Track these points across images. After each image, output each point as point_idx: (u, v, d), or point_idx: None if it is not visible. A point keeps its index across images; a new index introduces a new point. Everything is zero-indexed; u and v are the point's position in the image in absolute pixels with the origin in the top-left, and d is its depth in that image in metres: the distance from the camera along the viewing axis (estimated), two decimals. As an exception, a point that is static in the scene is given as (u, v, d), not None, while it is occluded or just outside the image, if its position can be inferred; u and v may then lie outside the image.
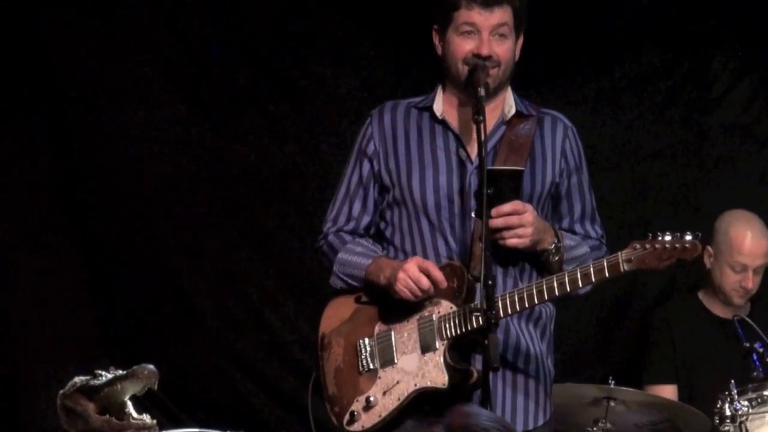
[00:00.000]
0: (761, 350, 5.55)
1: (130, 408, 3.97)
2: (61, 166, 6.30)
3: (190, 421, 6.00)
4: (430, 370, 4.23)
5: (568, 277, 4.14)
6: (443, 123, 4.40)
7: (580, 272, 4.13)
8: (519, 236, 4.20)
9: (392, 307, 4.31)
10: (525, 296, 4.17)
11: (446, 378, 4.20)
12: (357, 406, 4.33)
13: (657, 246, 4.07)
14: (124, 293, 6.34)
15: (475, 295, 4.19)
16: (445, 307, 4.24)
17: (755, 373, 5.50)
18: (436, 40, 4.39)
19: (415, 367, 4.26)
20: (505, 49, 4.31)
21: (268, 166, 6.35)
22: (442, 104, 4.41)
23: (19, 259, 6.23)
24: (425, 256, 4.31)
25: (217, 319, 6.36)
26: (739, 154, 6.55)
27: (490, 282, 4.01)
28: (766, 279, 6.02)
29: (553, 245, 4.29)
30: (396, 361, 4.30)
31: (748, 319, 5.82)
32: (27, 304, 6.21)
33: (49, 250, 6.27)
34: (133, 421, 3.95)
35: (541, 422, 4.37)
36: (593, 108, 6.43)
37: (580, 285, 4.14)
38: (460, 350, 4.22)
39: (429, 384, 4.22)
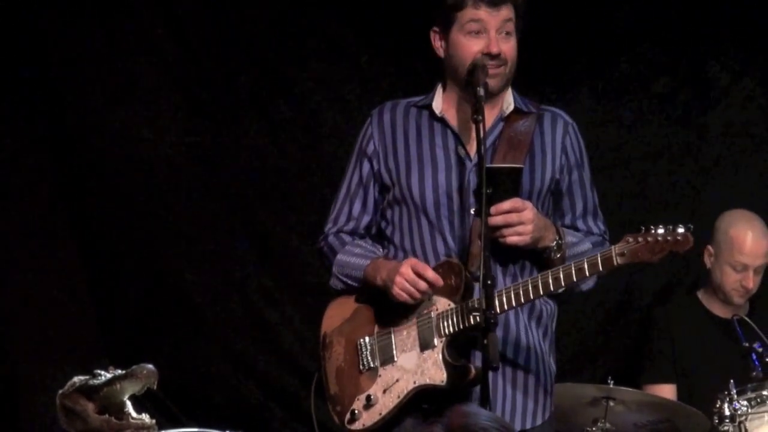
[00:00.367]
0: (760, 350, 5.54)
1: (130, 408, 3.96)
2: (61, 166, 6.30)
3: (190, 421, 5.99)
4: (428, 368, 4.23)
5: (562, 271, 4.14)
6: (442, 121, 4.40)
7: (575, 266, 4.12)
8: (519, 234, 4.20)
9: (392, 305, 4.31)
10: (521, 291, 4.16)
11: (444, 375, 4.20)
12: (358, 404, 4.34)
13: (650, 239, 4.07)
14: (124, 293, 6.34)
15: (474, 291, 4.19)
16: (444, 304, 4.24)
17: (754, 373, 5.49)
18: (435, 41, 4.38)
19: (414, 364, 4.26)
20: (510, 47, 4.31)
21: (268, 166, 6.35)
22: (441, 102, 4.41)
23: (19, 259, 6.23)
24: (424, 254, 4.32)
25: (217, 319, 6.36)
26: (738, 154, 6.55)
27: (489, 282, 4.01)
28: (766, 279, 6.02)
29: (555, 242, 4.28)
30: (396, 359, 4.30)
31: (747, 319, 5.82)
32: (27, 304, 6.20)
33: (49, 250, 6.27)
34: (132, 420, 3.93)
35: (540, 421, 4.37)
36: (593, 108, 6.42)
37: (575, 279, 4.13)
38: (459, 347, 4.22)
39: (428, 381, 4.22)
